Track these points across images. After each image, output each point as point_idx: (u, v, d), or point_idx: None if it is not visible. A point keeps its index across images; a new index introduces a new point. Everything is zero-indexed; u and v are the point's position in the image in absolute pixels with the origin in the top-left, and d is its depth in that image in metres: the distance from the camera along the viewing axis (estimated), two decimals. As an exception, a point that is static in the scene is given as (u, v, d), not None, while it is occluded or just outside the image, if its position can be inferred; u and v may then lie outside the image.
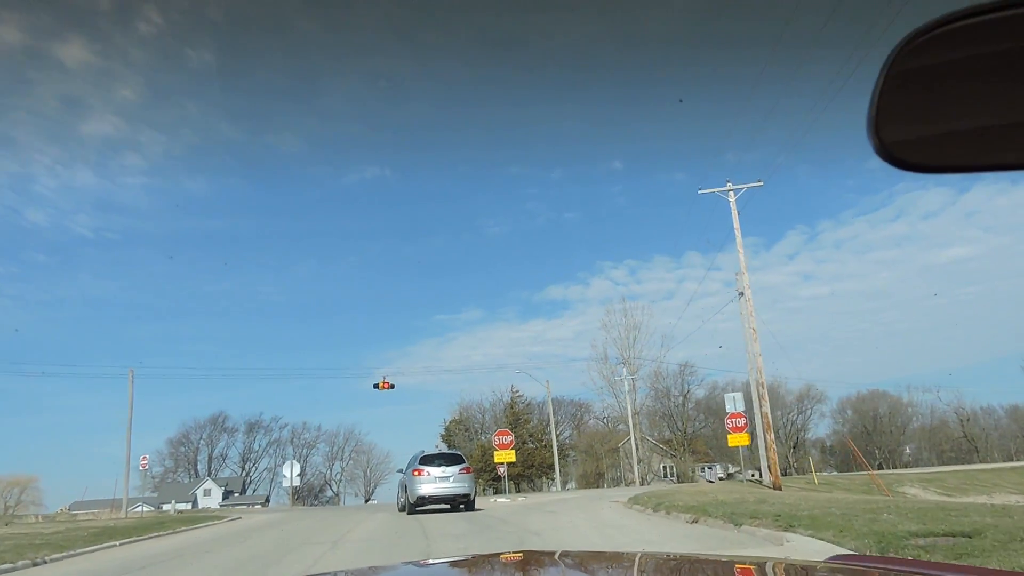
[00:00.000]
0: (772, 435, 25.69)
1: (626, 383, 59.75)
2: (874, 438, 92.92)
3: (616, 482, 75.58)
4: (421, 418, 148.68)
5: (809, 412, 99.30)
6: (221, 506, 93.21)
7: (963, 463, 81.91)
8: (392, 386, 36.55)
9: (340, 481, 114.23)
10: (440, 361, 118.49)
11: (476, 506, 23.40)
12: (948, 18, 0.94)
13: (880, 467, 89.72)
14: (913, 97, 0.98)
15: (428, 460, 21.29)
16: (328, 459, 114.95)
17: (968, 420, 79.63)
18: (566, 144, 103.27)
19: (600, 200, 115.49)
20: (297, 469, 39.24)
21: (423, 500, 20.50)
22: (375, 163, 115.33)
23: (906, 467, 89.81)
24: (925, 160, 1.02)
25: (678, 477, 77.10)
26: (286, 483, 39.21)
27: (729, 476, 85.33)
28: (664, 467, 79.62)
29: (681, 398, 78.54)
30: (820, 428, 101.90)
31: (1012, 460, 78.09)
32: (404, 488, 22.38)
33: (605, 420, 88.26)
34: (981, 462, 76.86)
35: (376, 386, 36.39)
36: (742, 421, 30.03)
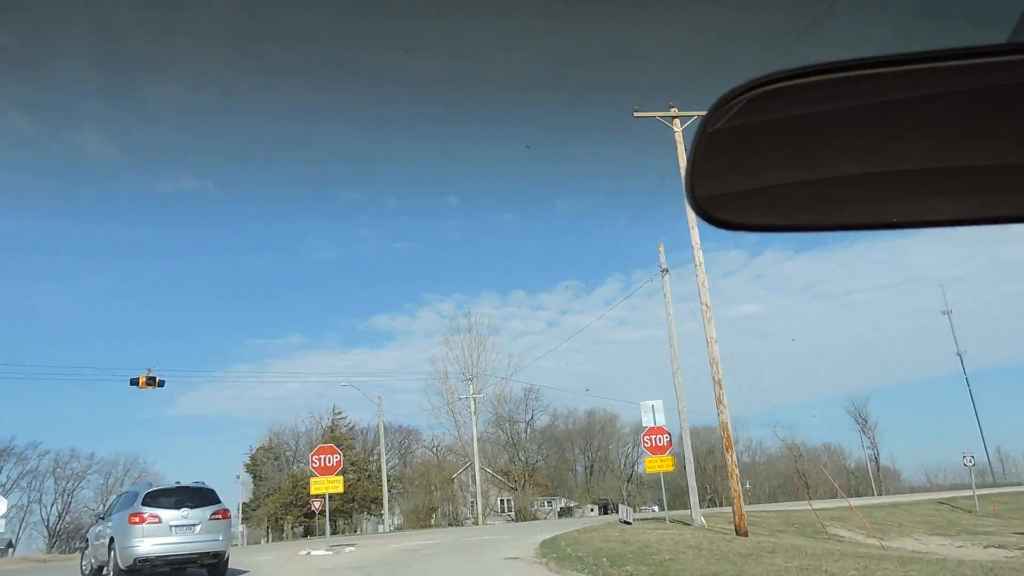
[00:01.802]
0: (734, 455, 17.31)
1: (472, 403, 50.26)
2: (707, 474, 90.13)
3: (449, 518, 65.28)
4: (227, 448, 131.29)
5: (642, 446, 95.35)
6: (-59, 553, 71.28)
7: (791, 499, 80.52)
8: (160, 384, 24.42)
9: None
10: (254, 389, 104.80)
11: (267, 568, 13.97)
12: (758, 82, 0.95)
13: (712, 503, 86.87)
14: (725, 157, 0.99)
15: (158, 499, 12.94)
16: (102, 493, 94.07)
17: (800, 456, 78.22)
18: (403, 174, 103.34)
19: (433, 233, 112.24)
20: (3, 508, 25.57)
21: (145, 563, 12.43)
22: (195, 174, 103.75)
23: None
24: (735, 219, 1.03)
25: (517, 513, 68.36)
26: (-18, 527, 25.49)
27: (568, 511, 77.97)
28: (502, 501, 70.59)
29: (524, 425, 70.33)
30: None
31: (835, 497, 77.53)
32: (109, 543, 12.89)
33: (435, 449, 78.00)
34: (810, 498, 75.38)
35: (135, 383, 24.08)
36: (665, 439, 21.51)
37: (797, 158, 0.95)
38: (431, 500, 63.69)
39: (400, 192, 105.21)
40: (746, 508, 27.73)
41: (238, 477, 79.19)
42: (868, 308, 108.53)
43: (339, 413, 69.72)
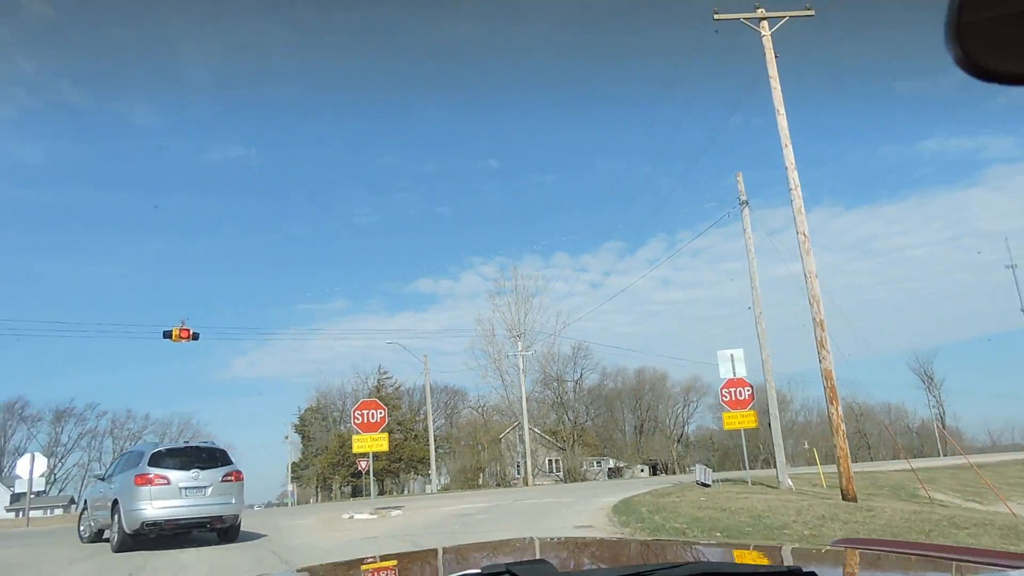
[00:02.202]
0: (839, 409, 14.75)
1: (520, 360, 48.17)
2: (759, 433, 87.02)
3: (497, 478, 64.03)
4: (278, 410, 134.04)
5: (696, 405, 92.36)
6: (7, 511, 73.28)
7: (855, 460, 77.25)
8: (195, 336, 22.75)
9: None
10: (302, 352, 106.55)
11: (299, 535, 13.50)
12: None
13: (766, 464, 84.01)
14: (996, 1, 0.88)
15: (165, 459, 11.60)
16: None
17: (862, 415, 74.50)
18: (442, 138, 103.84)
19: (473, 196, 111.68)
20: (42, 467, 24.42)
21: (153, 527, 11.15)
22: (238, 142, 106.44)
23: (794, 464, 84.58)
24: (1011, 69, 0.90)
25: (566, 473, 66.78)
26: (21, 486, 24.45)
27: (617, 472, 76.04)
28: (550, 461, 69.04)
29: (573, 384, 68.20)
30: (698, 422, 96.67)
31: (897, 459, 73.77)
32: (113, 505, 11.69)
33: (481, 409, 76.61)
34: (873, 459, 71.77)
35: (168, 335, 22.46)
36: (746, 392, 18.94)
37: None
38: (479, 460, 62.44)
39: (439, 156, 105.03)
40: (821, 469, 25.26)
41: (287, 438, 79.32)
42: (924, 263, 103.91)
43: (385, 373, 68.68)
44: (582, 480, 59.74)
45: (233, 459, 12.04)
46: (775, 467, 20.02)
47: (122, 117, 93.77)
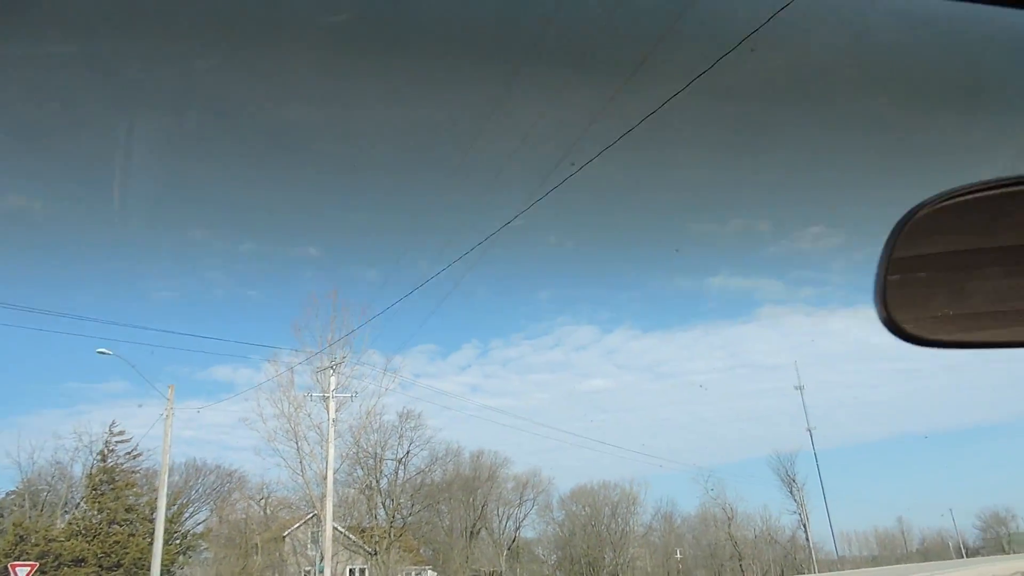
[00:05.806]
0: None
1: (330, 404, 29.78)
2: (607, 539, 71.98)
3: (272, 597, 42.55)
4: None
5: (532, 504, 75.76)
6: None
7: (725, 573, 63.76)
8: None
9: None
10: (66, 439, 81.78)
11: None
12: (954, 192, 0.95)
13: (616, 577, 68.52)
14: (920, 271, 0.95)
15: None
16: None
17: (732, 519, 61.97)
18: (259, 219, 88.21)
19: (289, 283, 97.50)
20: None
21: None
22: (23, 192, 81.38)
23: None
24: (933, 336, 0.97)
25: (374, 589, 46.86)
26: None
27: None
28: (351, 572, 48.80)
29: (396, 464, 49.44)
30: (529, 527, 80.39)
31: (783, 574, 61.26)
32: None
33: (264, 501, 54.73)
34: (745, 573, 58.81)
35: None
36: None
37: (994, 271, 0.89)
38: (246, 568, 41.08)
39: (256, 236, 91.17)
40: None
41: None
42: (712, 388, 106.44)
43: (119, 432, 45.47)
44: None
45: None
46: None
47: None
